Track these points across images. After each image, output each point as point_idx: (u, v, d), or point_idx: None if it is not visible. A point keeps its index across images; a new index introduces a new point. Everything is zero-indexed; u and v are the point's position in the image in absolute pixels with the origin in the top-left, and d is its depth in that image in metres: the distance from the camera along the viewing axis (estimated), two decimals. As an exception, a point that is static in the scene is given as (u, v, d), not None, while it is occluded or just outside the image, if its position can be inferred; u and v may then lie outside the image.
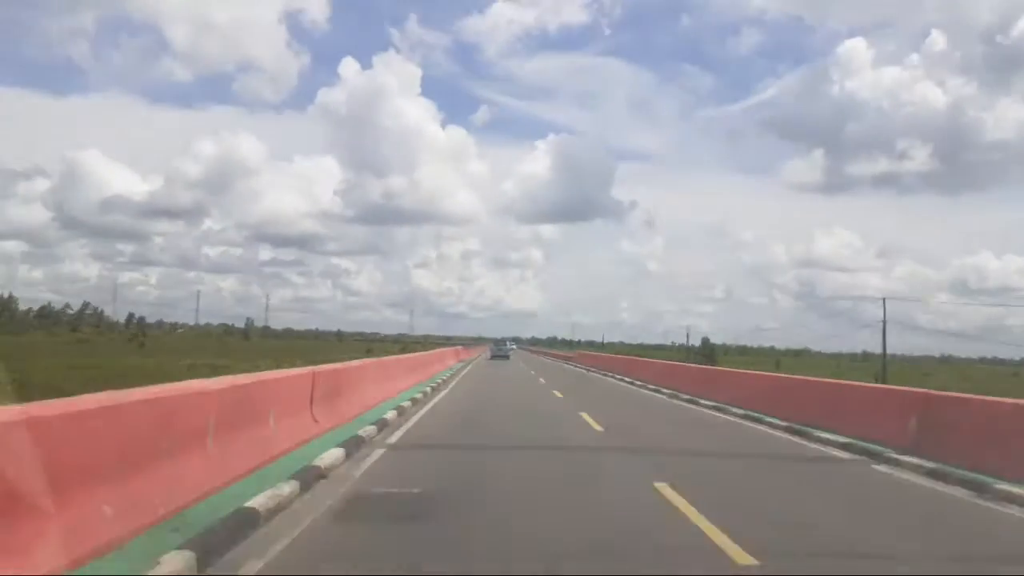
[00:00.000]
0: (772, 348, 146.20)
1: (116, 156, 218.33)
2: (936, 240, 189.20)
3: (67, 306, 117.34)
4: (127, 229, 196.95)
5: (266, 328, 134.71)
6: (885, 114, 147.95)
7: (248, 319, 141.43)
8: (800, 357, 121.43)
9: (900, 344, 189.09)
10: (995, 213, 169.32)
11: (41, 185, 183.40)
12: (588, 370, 39.30)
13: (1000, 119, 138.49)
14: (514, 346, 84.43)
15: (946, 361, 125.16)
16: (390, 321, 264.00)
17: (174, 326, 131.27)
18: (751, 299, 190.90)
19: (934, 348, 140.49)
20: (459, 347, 53.71)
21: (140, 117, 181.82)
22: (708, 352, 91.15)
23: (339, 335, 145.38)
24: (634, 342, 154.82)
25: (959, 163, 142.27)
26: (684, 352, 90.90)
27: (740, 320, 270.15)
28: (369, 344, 66.31)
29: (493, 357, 57.79)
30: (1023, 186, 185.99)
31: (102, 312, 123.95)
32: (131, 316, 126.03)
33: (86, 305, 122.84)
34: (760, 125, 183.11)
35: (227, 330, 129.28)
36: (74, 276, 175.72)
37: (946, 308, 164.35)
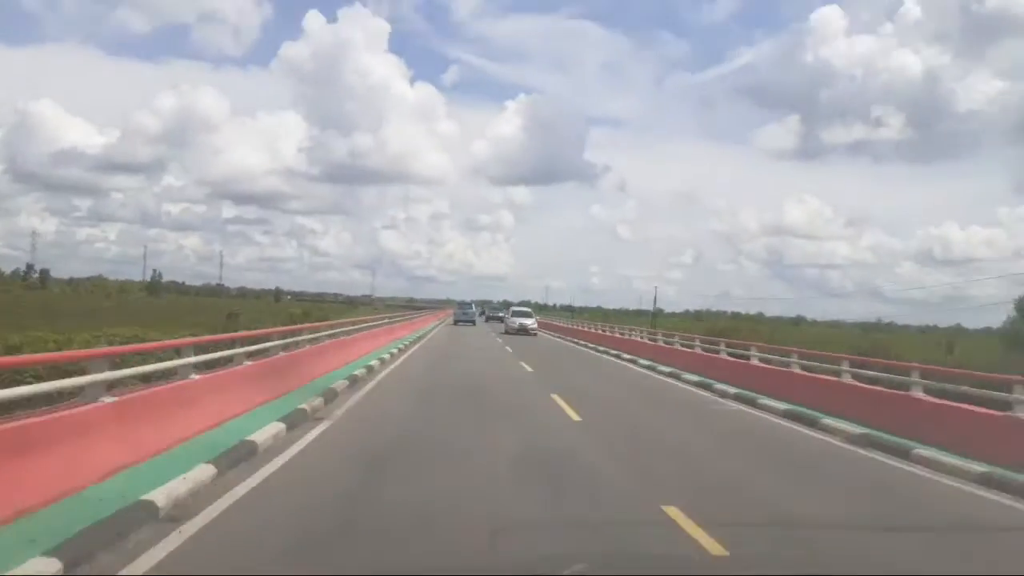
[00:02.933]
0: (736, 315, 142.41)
1: (72, 109, 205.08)
2: (905, 210, 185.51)
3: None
4: (84, 183, 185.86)
5: (176, 283, 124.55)
6: (859, 82, 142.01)
7: (156, 272, 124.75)
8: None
9: (866, 311, 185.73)
10: (967, 183, 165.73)
11: None
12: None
13: (973, 89, 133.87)
14: (476, 310, 68.37)
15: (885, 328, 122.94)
16: (357, 283, 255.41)
17: (76, 281, 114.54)
18: (720, 265, 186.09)
19: (899, 316, 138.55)
20: (400, 321, 34.22)
21: (98, 70, 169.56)
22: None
23: (277, 294, 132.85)
24: (609, 307, 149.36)
25: (933, 132, 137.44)
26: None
27: (708, 286, 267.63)
28: (308, 307, 57.12)
29: (456, 322, 55.36)
30: (995, 156, 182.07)
31: (44, 270, 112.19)
32: (30, 267, 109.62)
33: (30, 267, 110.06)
34: (734, 92, 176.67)
35: (137, 287, 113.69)
36: (30, 231, 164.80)
37: (910, 277, 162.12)
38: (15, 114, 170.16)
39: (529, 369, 19.21)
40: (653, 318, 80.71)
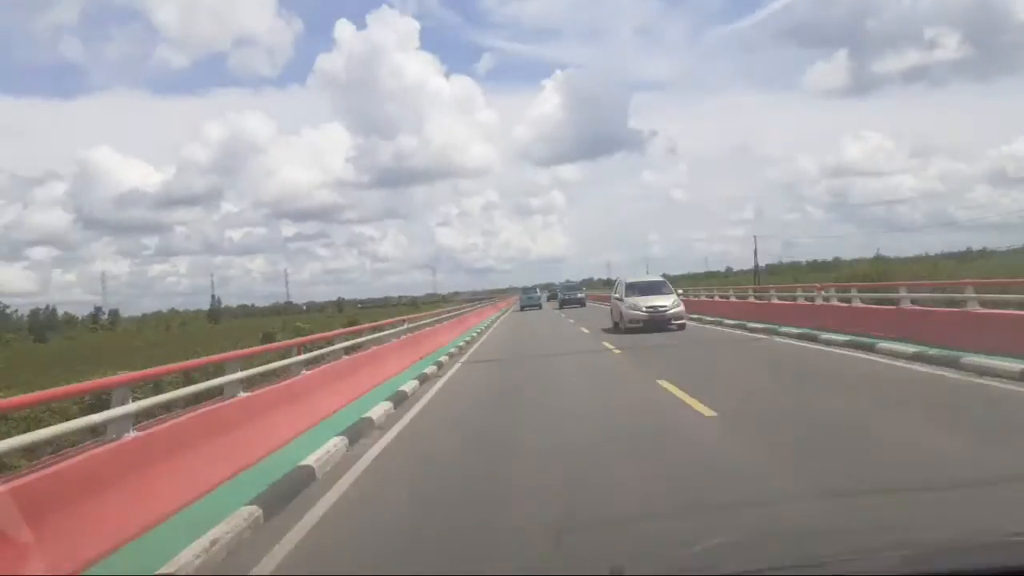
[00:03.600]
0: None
1: (127, 151, 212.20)
2: (970, 132, 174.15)
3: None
4: (148, 222, 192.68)
5: (245, 307, 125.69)
6: (907, 4, 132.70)
7: (215, 298, 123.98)
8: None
9: (939, 243, 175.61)
10: None
11: (57, 188, 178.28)
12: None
13: None
14: (540, 294, 62.55)
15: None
16: (420, 283, 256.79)
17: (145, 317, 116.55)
18: (783, 216, 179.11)
19: (975, 242, 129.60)
20: (469, 310, 36.07)
21: (147, 110, 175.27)
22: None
23: (339, 304, 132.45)
24: (697, 271, 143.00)
25: (991, 47, 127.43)
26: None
27: (774, 239, 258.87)
28: (362, 315, 55.54)
29: (523, 308, 53.07)
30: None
31: (114, 311, 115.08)
32: (97, 309, 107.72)
33: (98, 310, 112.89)
34: (777, 35, 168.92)
35: (203, 316, 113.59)
36: (106, 274, 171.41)
37: (983, 200, 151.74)
38: (76, 164, 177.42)
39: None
40: (756, 276, 72.22)
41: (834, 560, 1.72)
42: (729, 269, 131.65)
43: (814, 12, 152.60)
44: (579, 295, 52.51)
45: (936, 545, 1.99)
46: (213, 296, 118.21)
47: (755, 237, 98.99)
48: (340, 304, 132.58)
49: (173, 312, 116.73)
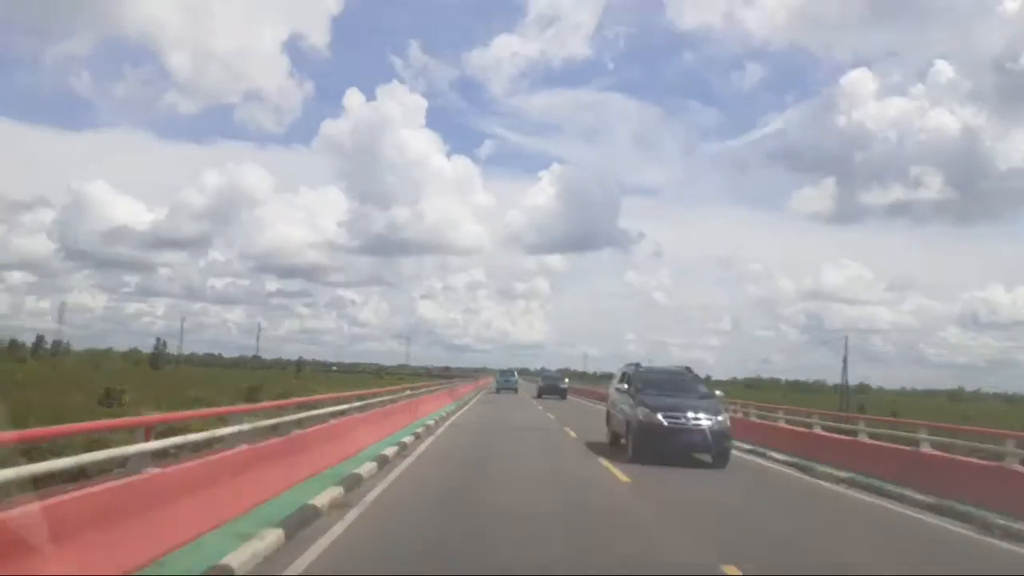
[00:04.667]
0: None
1: (123, 189, 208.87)
2: (948, 272, 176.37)
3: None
4: (132, 260, 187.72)
5: (211, 355, 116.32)
6: (894, 143, 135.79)
7: (160, 341, 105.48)
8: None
9: (908, 378, 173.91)
10: (1012, 244, 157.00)
11: (46, 216, 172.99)
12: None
13: (1013, 148, 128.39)
14: (517, 378, 56.87)
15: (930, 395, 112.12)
16: (395, 352, 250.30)
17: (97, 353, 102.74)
18: (758, 331, 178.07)
19: (944, 382, 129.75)
20: (440, 390, 30.78)
21: (149, 151, 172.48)
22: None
23: (299, 365, 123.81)
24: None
25: (973, 192, 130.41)
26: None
27: (746, 353, 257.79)
28: (334, 376, 51.08)
29: (499, 390, 51.64)
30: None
31: (58, 342, 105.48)
32: (39, 339, 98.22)
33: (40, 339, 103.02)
34: (767, 157, 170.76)
35: (139, 357, 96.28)
36: (80, 307, 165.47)
37: (954, 342, 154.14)
38: (69, 194, 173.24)
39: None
40: (844, 393, 62.89)
41: None
42: (709, 377, 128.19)
43: (805, 138, 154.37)
44: (561, 385, 47.07)
45: None
46: (158, 340, 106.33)
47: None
48: (300, 364, 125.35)
49: (108, 351, 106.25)
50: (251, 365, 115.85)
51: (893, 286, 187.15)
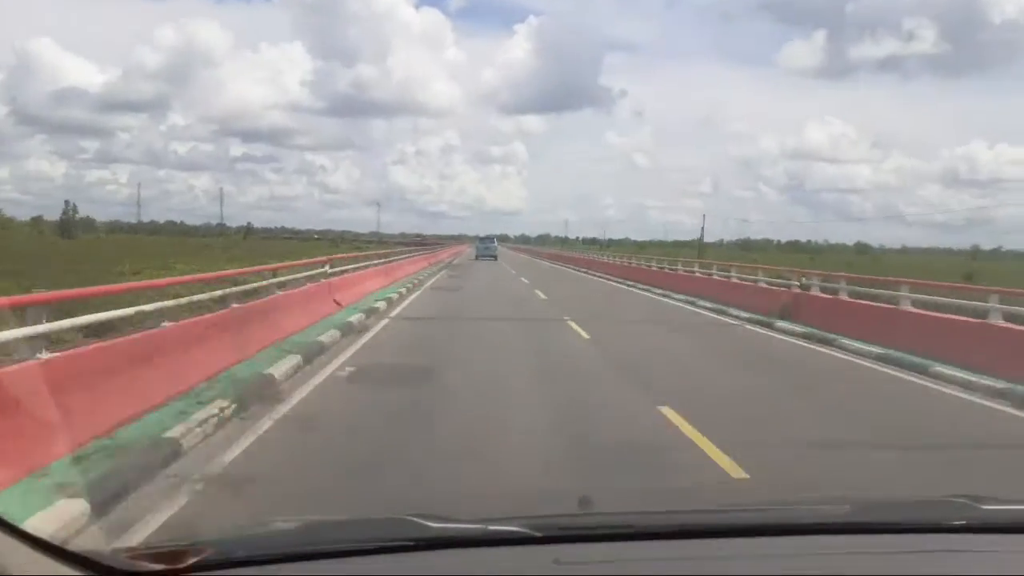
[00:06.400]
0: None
1: (71, 47, 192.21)
2: (933, 127, 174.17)
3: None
4: (89, 124, 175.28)
5: (172, 223, 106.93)
6: None
7: (69, 205, 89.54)
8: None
9: (886, 236, 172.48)
10: (997, 97, 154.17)
11: None
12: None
13: None
14: (496, 244, 64.51)
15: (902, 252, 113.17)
16: (368, 219, 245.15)
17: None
18: (738, 192, 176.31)
19: (921, 240, 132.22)
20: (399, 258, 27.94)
21: (96, 6, 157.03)
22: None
23: (248, 229, 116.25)
24: (637, 240, 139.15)
25: (967, 45, 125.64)
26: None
27: (727, 214, 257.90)
28: (289, 246, 49.04)
29: (478, 257, 53.56)
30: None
31: None
32: None
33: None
34: (755, 8, 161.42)
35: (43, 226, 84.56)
36: (40, 174, 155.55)
37: (932, 199, 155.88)
38: (14, 54, 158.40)
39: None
40: (700, 250, 72.63)
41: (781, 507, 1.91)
42: (678, 241, 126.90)
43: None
44: (494, 252, 56.31)
45: (878, 500, 2.15)
46: (67, 203, 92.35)
47: (703, 216, 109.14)
48: (248, 231, 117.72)
49: (37, 218, 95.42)
50: (213, 233, 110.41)
51: (877, 144, 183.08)
